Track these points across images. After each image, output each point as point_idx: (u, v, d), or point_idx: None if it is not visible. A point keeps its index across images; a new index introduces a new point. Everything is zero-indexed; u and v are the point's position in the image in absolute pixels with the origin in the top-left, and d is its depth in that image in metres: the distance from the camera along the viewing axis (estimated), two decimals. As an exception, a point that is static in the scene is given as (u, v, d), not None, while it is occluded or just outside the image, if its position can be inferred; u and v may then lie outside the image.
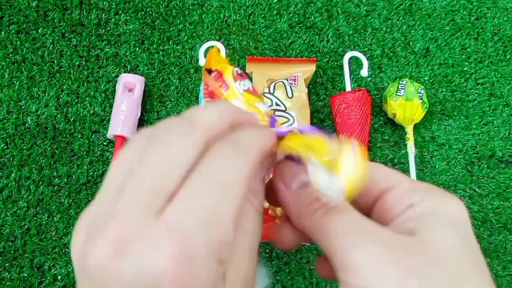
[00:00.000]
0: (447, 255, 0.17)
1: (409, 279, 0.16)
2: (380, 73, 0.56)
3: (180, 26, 0.56)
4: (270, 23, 0.57)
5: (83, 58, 0.54)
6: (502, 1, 0.60)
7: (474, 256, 0.18)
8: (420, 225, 0.18)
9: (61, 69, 0.54)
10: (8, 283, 0.46)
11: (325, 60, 0.56)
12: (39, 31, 0.55)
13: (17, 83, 0.53)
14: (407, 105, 0.50)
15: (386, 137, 0.53)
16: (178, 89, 0.54)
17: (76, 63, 0.54)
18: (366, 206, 0.21)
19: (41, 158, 0.50)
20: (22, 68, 0.53)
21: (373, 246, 0.17)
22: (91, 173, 0.50)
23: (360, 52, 0.56)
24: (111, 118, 0.50)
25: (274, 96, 0.51)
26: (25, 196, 0.49)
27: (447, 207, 0.19)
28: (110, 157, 0.51)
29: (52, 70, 0.53)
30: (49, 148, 0.50)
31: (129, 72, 0.53)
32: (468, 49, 0.58)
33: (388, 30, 0.58)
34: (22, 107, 0.52)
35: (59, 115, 0.52)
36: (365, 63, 0.55)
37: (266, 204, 0.48)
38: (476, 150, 0.53)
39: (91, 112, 0.52)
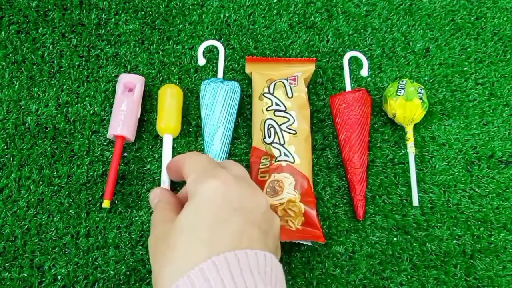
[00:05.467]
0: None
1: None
2: (380, 73, 0.56)
3: (180, 26, 0.56)
4: (270, 23, 0.57)
5: (83, 58, 0.54)
6: (502, 1, 0.60)
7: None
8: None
9: (61, 69, 0.54)
10: (8, 283, 0.46)
11: (325, 60, 0.56)
12: (39, 31, 0.55)
13: (17, 83, 0.53)
14: (407, 105, 0.50)
15: (386, 137, 0.53)
16: (178, 89, 0.54)
17: (76, 63, 0.54)
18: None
19: (41, 158, 0.50)
20: (22, 68, 0.53)
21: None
22: (91, 173, 0.50)
23: (360, 52, 0.56)
24: (111, 118, 0.50)
25: (274, 96, 0.51)
26: (25, 196, 0.49)
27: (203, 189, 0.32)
28: (110, 157, 0.51)
29: (52, 70, 0.53)
30: (49, 148, 0.50)
31: (129, 72, 0.53)
32: (468, 49, 0.58)
33: (388, 30, 0.58)
34: (22, 107, 0.52)
35: (59, 115, 0.52)
36: (365, 63, 0.55)
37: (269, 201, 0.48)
38: (476, 150, 0.53)
39: (91, 112, 0.52)
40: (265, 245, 0.31)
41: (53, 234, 0.48)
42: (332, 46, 0.57)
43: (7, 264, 0.47)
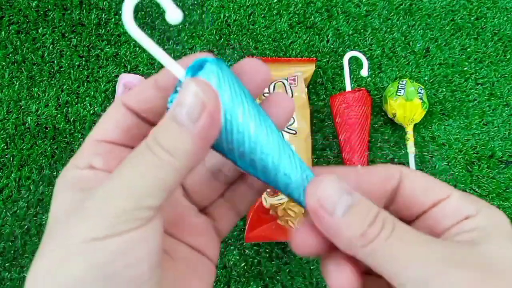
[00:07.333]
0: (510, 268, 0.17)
1: None
2: (380, 73, 0.56)
3: (180, 26, 0.56)
4: (270, 23, 0.57)
5: (83, 58, 0.54)
6: (502, 1, 0.60)
7: None
8: (481, 237, 0.18)
9: (61, 69, 0.54)
10: (8, 283, 0.46)
11: (325, 60, 0.56)
12: (39, 31, 0.55)
13: (17, 83, 0.53)
14: (407, 105, 0.50)
15: (386, 137, 0.53)
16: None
17: (76, 63, 0.54)
18: (410, 218, 0.20)
19: (41, 158, 0.50)
20: (22, 68, 0.53)
21: (451, 272, 0.17)
22: (91, 173, 0.50)
23: (360, 52, 0.56)
24: (111, 118, 0.50)
25: (274, 96, 0.51)
26: (25, 196, 0.49)
27: (501, 221, 0.19)
28: (110, 157, 0.51)
29: (52, 70, 0.53)
30: (49, 148, 0.50)
31: (129, 72, 0.53)
32: (468, 49, 0.58)
33: (388, 30, 0.58)
34: (22, 107, 0.52)
35: (59, 115, 0.52)
36: (365, 63, 0.55)
37: (267, 204, 0.48)
38: (476, 150, 0.53)
39: (91, 112, 0.52)
40: None
41: (53, 234, 0.48)
42: (332, 46, 0.57)
43: (7, 264, 0.47)
